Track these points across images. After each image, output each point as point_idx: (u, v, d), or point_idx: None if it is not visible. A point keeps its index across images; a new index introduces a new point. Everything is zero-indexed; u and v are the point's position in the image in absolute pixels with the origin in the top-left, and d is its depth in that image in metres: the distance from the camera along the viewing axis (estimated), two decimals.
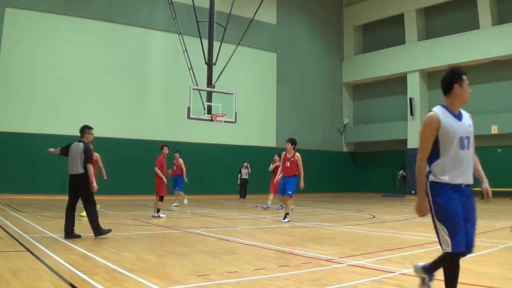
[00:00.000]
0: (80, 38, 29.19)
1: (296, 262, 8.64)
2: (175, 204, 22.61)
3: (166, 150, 17.78)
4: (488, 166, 26.82)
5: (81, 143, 11.56)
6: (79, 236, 11.08)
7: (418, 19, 36.69)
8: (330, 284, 6.82)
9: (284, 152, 16.43)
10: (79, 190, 11.37)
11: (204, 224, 15.50)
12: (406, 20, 37.13)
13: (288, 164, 16.02)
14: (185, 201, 22.55)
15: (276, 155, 22.38)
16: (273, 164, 22.46)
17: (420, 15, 36.84)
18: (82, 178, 11.31)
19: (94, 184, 11.45)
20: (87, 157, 11.38)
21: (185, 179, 21.42)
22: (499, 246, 10.63)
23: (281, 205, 21.02)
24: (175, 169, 21.46)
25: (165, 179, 17.15)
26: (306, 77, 38.69)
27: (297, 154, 16.04)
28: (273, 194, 21.63)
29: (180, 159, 21.55)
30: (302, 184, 15.86)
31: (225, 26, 27.15)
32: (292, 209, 19.33)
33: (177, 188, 21.87)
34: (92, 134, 12.00)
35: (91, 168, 11.41)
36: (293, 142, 16.21)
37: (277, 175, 16.63)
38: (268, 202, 22.11)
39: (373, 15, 39.38)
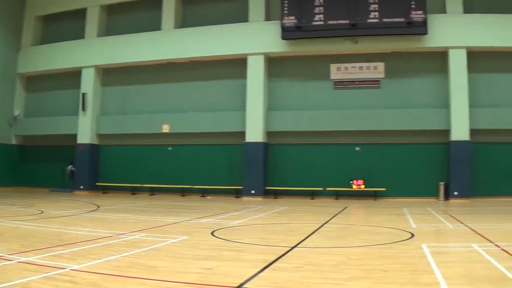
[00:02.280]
0: None
1: None
2: None
3: None
4: (158, 163, 27.68)
5: None
6: None
7: (101, 15, 36.40)
8: (1, 282, 6.56)
9: None
10: None
11: None
12: (88, 15, 36.49)
13: None
14: None
15: None
16: None
17: (103, 11, 36.63)
18: None
19: None
20: None
21: None
22: (170, 241, 11.14)
23: None
24: None
25: None
26: None
27: None
28: None
29: None
30: None
31: None
32: None
33: None
34: None
35: None
36: None
37: None
38: None
39: (57, 6, 37.98)
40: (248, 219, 17.14)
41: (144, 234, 12.18)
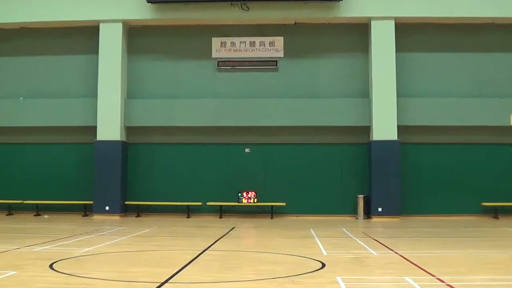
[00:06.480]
0: None
1: None
2: None
3: None
4: None
5: None
6: None
7: None
8: None
9: None
10: None
11: None
12: None
13: None
14: None
15: None
16: None
17: None
18: None
19: None
20: None
21: None
22: None
23: None
24: None
25: None
26: None
27: None
28: None
29: None
30: None
31: None
32: None
33: None
34: None
35: None
36: None
37: None
38: None
39: None
40: (101, 246, 16.97)
41: None
